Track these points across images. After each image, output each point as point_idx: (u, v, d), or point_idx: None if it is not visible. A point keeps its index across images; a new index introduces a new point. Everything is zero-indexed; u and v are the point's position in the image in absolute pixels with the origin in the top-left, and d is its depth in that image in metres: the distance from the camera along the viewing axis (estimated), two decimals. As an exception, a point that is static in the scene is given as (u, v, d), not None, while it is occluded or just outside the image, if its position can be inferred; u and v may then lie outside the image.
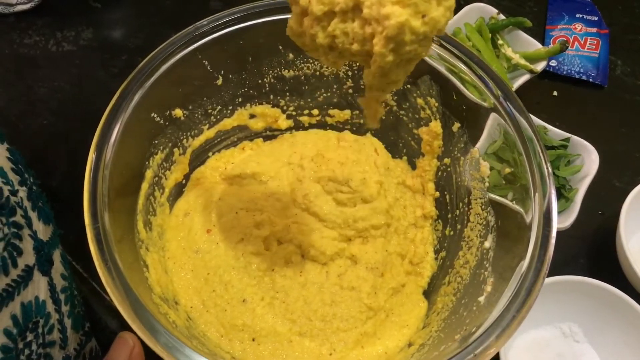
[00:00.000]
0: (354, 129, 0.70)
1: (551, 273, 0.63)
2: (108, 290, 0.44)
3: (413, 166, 0.67)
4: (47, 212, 0.50)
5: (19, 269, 0.43)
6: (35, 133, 0.71)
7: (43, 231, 0.48)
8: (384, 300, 0.59)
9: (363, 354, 0.57)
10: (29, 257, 0.45)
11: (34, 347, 0.44)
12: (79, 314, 0.52)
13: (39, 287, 0.46)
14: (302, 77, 0.65)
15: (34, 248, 0.46)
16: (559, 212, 0.70)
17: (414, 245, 0.64)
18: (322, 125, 0.70)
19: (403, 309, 0.61)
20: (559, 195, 0.71)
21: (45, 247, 0.48)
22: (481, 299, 0.52)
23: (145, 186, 0.56)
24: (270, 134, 0.69)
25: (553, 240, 0.48)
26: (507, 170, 0.56)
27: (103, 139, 0.50)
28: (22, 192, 0.46)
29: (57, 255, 0.50)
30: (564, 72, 0.87)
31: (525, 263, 0.48)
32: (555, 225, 0.49)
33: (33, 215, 0.47)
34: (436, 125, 0.63)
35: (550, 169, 0.52)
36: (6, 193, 0.43)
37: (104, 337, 0.58)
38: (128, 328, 0.59)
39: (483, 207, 0.58)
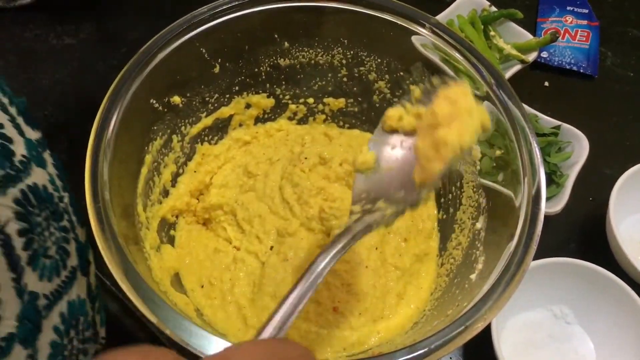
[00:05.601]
0: (347, 118, 0.71)
1: (543, 257, 0.65)
2: (110, 266, 0.45)
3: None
4: (82, 215, 0.52)
5: (67, 270, 0.46)
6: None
7: (81, 233, 0.50)
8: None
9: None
10: (73, 259, 0.48)
11: (75, 342, 0.47)
12: (102, 310, 0.54)
13: (80, 287, 0.49)
14: (298, 66, 0.66)
15: (77, 250, 0.49)
16: (550, 198, 0.71)
17: (422, 221, 0.65)
18: (317, 113, 0.71)
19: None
20: (550, 181, 0.72)
21: (85, 249, 0.50)
22: (473, 276, 0.53)
23: (144, 171, 0.58)
24: (267, 116, 0.71)
25: (542, 217, 0.49)
26: (498, 152, 0.57)
27: (103, 124, 0.51)
28: (66, 198, 0.49)
29: (91, 256, 0.52)
30: (555, 63, 0.89)
31: (515, 239, 0.49)
32: (544, 204, 0.50)
33: (74, 220, 0.50)
34: None
35: (540, 155, 0.53)
36: (56, 199, 0.46)
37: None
38: (128, 312, 0.61)
39: (474, 189, 0.60)
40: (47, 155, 0.49)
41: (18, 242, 0.40)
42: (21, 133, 0.45)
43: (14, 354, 0.39)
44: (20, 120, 0.47)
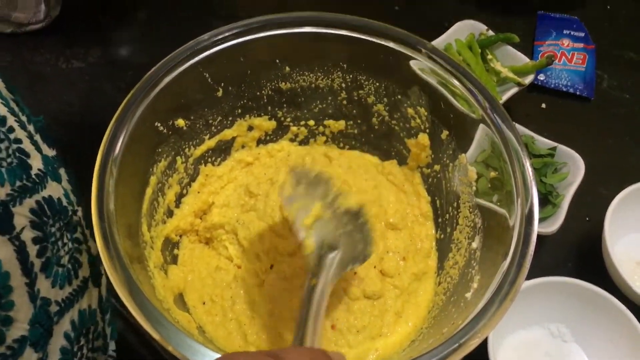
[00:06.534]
0: (346, 139, 0.73)
1: (540, 276, 0.66)
2: (115, 284, 0.46)
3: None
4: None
5: (79, 279, 0.49)
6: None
7: (93, 247, 0.52)
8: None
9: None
10: (85, 270, 0.50)
11: (84, 350, 0.49)
12: (114, 324, 0.56)
13: (91, 297, 0.52)
14: (298, 89, 0.68)
15: (89, 262, 0.51)
16: (546, 218, 0.72)
17: (420, 241, 0.66)
18: (318, 135, 0.73)
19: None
20: (546, 202, 0.73)
21: (96, 261, 0.52)
22: (468, 295, 0.54)
23: (149, 191, 0.59)
24: (269, 138, 0.72)
25: (534, 237, 0.51)
26: (493, 174, 0.59)
27: (110, 147, 0.53)
28: (80, 212, 0.51)
29: (103, 270, 0.54)
30: (552, 86, 0.90)
31: (508, 259, 0.50)
32: (537, 224, 0.52)
33: (87, 233, 0.52)
34: (424, 138, 0.66)
35: (533, 177, 0.54)
36: (70, 212, 0.49)
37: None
38: (132, 329, 0.63)
39: (471, 210, 0.61)
40: (62, 171, 0.52)
41: (32, 250, 0.42)
42: (39, 149, 0.48)
43: (25, 356, 0.40)
44: (38, 137, 0.50)
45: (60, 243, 0.46)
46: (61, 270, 0.46)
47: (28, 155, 0.45)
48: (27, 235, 0.41)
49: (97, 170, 0.51)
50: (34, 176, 0.44)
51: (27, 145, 0.46)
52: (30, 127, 0.49)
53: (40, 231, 0.43)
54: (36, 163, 0.46)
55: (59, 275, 0.45)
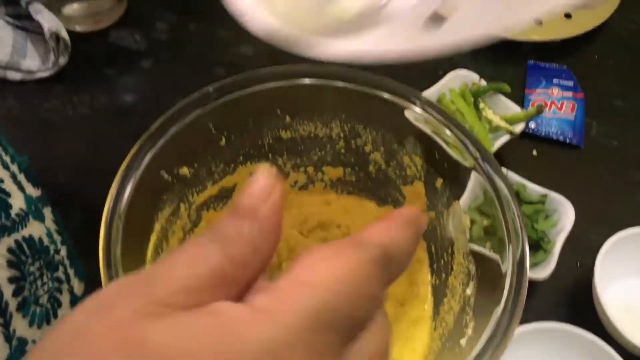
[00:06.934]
0: (344, 186, 0.76)
1: (533, 321, 0.67)
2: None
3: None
4: (82, 270, 0.55)
5: (59, 319, 0.49)
6: (52, 189, 0.76)
7: (77, 287, 0.53)
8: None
9: None
10: (66, 310, 0.51)
11: None
12: None
13: None
14: (298, 138, 0.71)
15: (70, 302, 0.51)
16: (538, 263, 0.74)
17: (417, 286, 0.68)
18: (316, 181, 0.75)
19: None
20: (538, 248, 0.75)
21: (79, 301, 0.53)
22: (462, 341, 0.56)
23: (153, 238, 0.61)
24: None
25: (526, 284, 0.53)
26: (486, 222, 0.61)
27: (117, 196, 0.55)
28: (64, 251, 0.52)
29: None
30: (543, 133, 0.93)
31: (501, 305, 0.52)
32: (528, 271, 0.54)
33: (71, 272, 0.53)
34: (419, 186, 0.69)
35: (523, 224, 0.57)
36: (52, 252, 0.49)
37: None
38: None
39: (465, 256, 0.63)
40: (47, 211, 0.52)
41: (8, 289, 0.42)
42: (21, 189, 0.48)
43: None
44: (21, 177, 0.50)
45: (39, 282, 0.47)
46: (39, 309, 0.46)
47: (9, 195, 0.46)
48: (2, 274, 0.42)
49: (105, 218, 0.53)
50: (14, 215, 0.45)
51: (8, 184, 0.47)
52: (14, 167, 0.49)
53: (17, 270, 0.43)
54: (17, 202, 0.47)
55: (37, 314, 0.45)
